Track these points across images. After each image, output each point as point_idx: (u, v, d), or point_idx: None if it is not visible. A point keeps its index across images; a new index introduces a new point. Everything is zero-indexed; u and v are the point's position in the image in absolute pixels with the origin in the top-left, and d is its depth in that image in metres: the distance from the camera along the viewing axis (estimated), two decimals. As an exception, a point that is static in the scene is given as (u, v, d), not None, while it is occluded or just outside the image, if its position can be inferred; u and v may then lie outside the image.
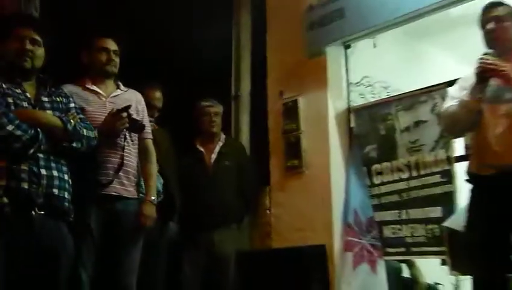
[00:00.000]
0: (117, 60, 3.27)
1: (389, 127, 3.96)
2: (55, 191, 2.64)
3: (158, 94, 3.91)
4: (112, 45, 3.26)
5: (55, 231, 2.65)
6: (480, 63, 2.73)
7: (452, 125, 3.00)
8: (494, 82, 2.77)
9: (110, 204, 3.04)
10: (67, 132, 2.68)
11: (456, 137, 3.43)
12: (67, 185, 2.72)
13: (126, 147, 3.14)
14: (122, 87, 3.31)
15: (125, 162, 3.11)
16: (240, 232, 4.16)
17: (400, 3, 3.70)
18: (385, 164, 3.95)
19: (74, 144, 2.71)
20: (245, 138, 4.66)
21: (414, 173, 3.78)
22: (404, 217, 3.79)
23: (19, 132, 2.53)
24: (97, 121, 3.02)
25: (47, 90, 2.84)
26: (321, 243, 3.88)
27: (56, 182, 2.65)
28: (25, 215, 2.55)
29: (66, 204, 2.71)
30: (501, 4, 2.89)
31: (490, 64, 2.71)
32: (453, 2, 3.51)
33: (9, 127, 2.51)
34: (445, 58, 4.81)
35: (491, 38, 2.82)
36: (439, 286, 4.28)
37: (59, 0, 4.30)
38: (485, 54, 2.75)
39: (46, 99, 2.80)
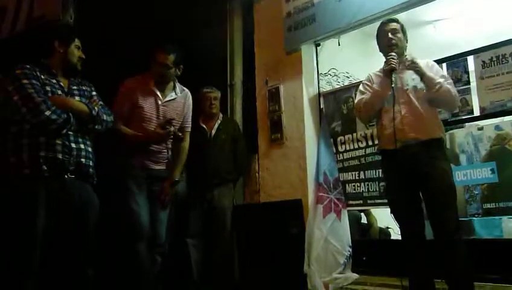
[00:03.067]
0: (171, 71, 3.31)
1: (350, 108, 3.98)
2: (83, 160, 2.71)
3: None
4: (168, 60, 3.28)
5: (83, 190, 2.72)
6: (391, 62, 2.84)
7: (367, 111, 3.04)
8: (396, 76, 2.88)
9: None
10: (92, 117, 2.73)
11: (367, 122, 3.53)
12: (91, 156, 2.78)
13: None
14: (177, 90, 3.41)
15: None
16: (235, 189, 4.18)
17: (358, 10, 3.73)
18: (347, 136, 3.98)
19: (96, 126, 2.77)
20: (238, 116, 4.64)
21: (370, 143, 3.81)
22: (362, 176, 3.85)
23: (54, 116, 2.57)
24: (148, 117, 3.25)
25: (75, 81, 2.87)
26: (298, 198, 3.92)
27: (83, 153, 2.71)
28: (60, 178, 2.63)
29: (91, 170, 2.78)
30: (395, 20, 3.05)
31: (410, 61, 2.87)
32: (399, 9, 3.53)
33: (47, 113, 2.55)
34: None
35: (391, 45, 2.94)
36: (389, 229, 4.33)
37: (88, 9, 4.26)
38: (391, 56, 2.88)
39: (75, 87, 2.84)
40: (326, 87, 4.33)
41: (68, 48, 2.79)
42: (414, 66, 2.84)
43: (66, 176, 2.63)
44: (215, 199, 3.96)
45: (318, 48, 4.27)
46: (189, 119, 3.46)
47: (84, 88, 2.88)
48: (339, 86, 4.37)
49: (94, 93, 2.92)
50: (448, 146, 3.30)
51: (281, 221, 3.91)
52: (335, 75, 4.54)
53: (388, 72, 2.86)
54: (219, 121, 4.15)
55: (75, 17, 4.12)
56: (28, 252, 2.50)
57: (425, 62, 2.96)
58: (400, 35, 2.97)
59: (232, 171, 4.09)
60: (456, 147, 3.38)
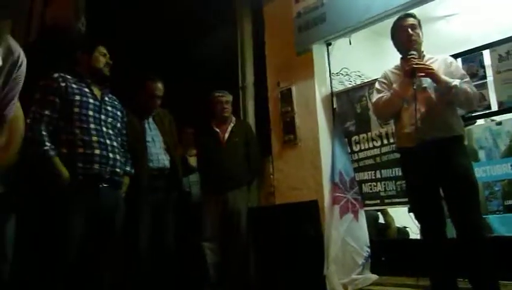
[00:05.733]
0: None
1: (364, 107, 3.93)
2: (118, 170, 2.74)
3: (160, 85, 3.57)
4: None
5: (113, 197, 2.74)
6: (412, 62, 2.74)
7: (386, 111, 2.97)
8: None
9: None
10: None
11: (386, 121, 3.48)
12: (123, 165, 2.82)
13: None
14: None
15: None
16: (249, 192, 4.13)
17: (368, 8, 3.67)
18: (362, 135, 3.91)
19: None
20: (251, 119, 4.60)
21: (385, 142, 3.75)
22: (378, 176, 3.78)
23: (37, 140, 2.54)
24: None
25: (108, 92, 2.87)
26: (314, 199, 3.85)
27: (118, 163, 2.74)
28: (95, 188, 2.63)
29: (122, 179, 2.81)
30: (413, 15, 2.94)
31: (421, 64, 2.75)
32: (409, 6, 3.44)
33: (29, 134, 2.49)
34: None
35: (411, 41, 2.84)
36: (407, 229, 4.25)
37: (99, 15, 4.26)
38: (412, 55, 2.77)
39: (107, 98, 2.83)
40: (338, 87, 4.27)
41: (91, 56, 2.80)
42: (430, 74, 2.74)
43: (100, 186, 2.64)
44: (230, 202, 3.92)
45: (329, 47, 4.21)
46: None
47: (115, 103, 2.91)
48: (351, 86, 4.30)
49: (125, 120, 2.97)
50: (465, 142, 3.23)
51: (297, 223, 3.86)
52: (347, 74, 4.49)
53: (409, 72, 2.76)
54: (232, 125, 4.12)
55: (86, 25, 4.10)
56: (60, 260, 2.49)
57: (443, 58, 2.88)
58: (418, 30, 2.88)
59: (246, 174, 4.05)
60: (474, 143, 3.30)
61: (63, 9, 4.42)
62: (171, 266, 3.48)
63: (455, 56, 3.30)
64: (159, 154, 3.43)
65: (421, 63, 2.77)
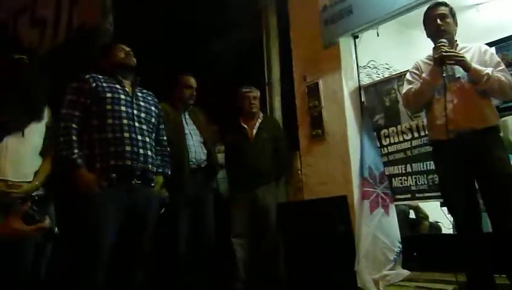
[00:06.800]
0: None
1: (393, 99, 3.85)
2: (149, 166, 2.72)
3: (192, 79, 3.73)
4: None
5: (146, 194, 2.72)
6: (441, 50, 2.65)
7: (416, 102, 2.89)
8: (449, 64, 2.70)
9: None
10: None
11: (416, 112, 3.42)
12: (154, 161, 2.79)
13: None
14: None
15: None
16: (278, 188, 4.09)
17: (396, -1, 3.58)
18: (391, 129, 3.84)
19: None
20: (278, 115, 4.55)
21: (415, 135, 3.67)
22: (408, 170, 3.70)
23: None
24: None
25: (139, 88, 2.87)
26: (343, 194, 3.78)
27: (149, 159, 2.72)
28: (128, 185, 2.63)
29: (153, 176, 2.79)
30: (444, 4, 2.85)
31: (450, 52, 2.66)
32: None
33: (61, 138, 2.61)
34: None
35: (439, 32, 2.75)
36: (439, 224, 4.15)
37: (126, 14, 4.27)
38: (441, 42, 2.68)
39: (139, 94, 2.83)
40: (366, 80, 4.19)
41: (109, 56, 2.83)
42: (459, 61, 2.66)
43: (133, 182, 2.64)
44: (259, 199, 3.89)
45: (356, 40, 4.14)
46: None
47: (149, 98, 2.91)
48: (379, 78, 4.21)
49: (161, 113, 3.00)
50: (501, 134, 3.13)
51: (327, 218, 3.79)
52: (374, 67, 4.41)
53: (439, 60, 2.67)
54: (260, 120, 4.08)
55: (114, 23, 4.12)
56: (94, 257, 2.50)
57: (478, 47, 2.79)
58: (449, 20, 2.79)
59: (275, 170, 4.01)
60: (510, 135, 3.20)
61: (91, 9, 4.46)
62: (208, 263, 3.52)
63: (489, 45, 3.18)
64: (196, 147, 3.50)
65: (451, 50, 2.68)
